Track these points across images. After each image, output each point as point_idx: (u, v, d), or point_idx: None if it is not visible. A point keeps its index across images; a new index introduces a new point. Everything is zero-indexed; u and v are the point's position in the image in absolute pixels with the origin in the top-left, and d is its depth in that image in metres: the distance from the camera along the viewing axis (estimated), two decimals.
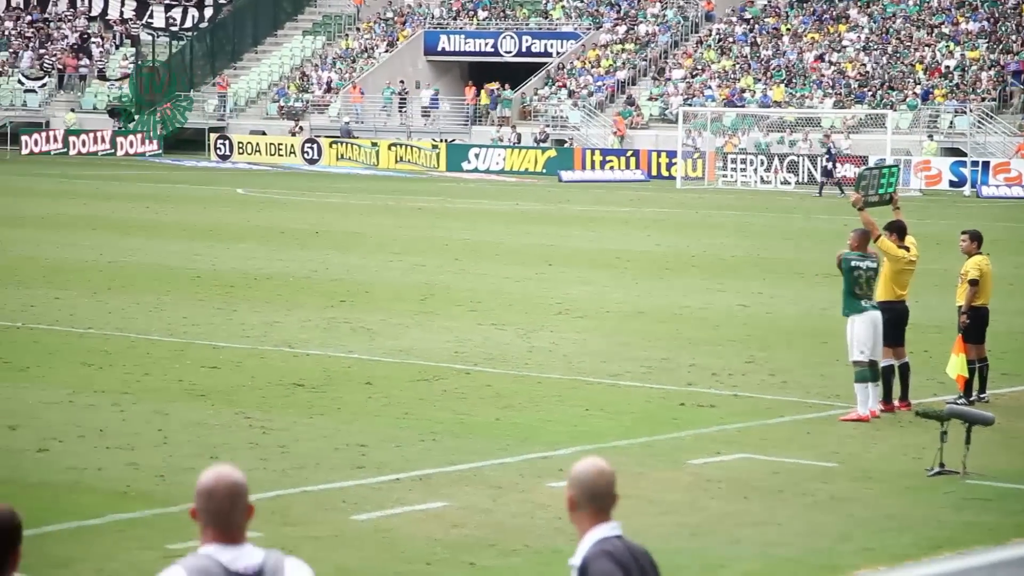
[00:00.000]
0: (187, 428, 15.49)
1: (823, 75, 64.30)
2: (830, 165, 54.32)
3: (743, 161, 58.66)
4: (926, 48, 64.03)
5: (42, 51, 77.07)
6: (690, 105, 63.11)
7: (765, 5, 69.60)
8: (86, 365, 18.74)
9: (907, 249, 17.43)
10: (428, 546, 11.71)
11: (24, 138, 69.97)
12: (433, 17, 74.14)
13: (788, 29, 67.46)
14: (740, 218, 43.68)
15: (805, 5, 68.84)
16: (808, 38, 66.67)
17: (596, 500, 5.49)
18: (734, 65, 66.43)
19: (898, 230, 17.50)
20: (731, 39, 68.09)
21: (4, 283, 26.07)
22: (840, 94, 63.13)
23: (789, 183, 57.40)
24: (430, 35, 72.67)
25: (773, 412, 16.89)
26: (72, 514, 12.33)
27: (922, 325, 20.31)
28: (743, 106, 63.45)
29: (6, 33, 78.81)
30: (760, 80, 65.09)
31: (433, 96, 69.86)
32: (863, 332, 16.60)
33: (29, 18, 79.72)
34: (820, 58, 65.21)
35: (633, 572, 5.47)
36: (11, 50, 77.67)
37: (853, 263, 16.73)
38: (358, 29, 75.67)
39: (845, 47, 65.44)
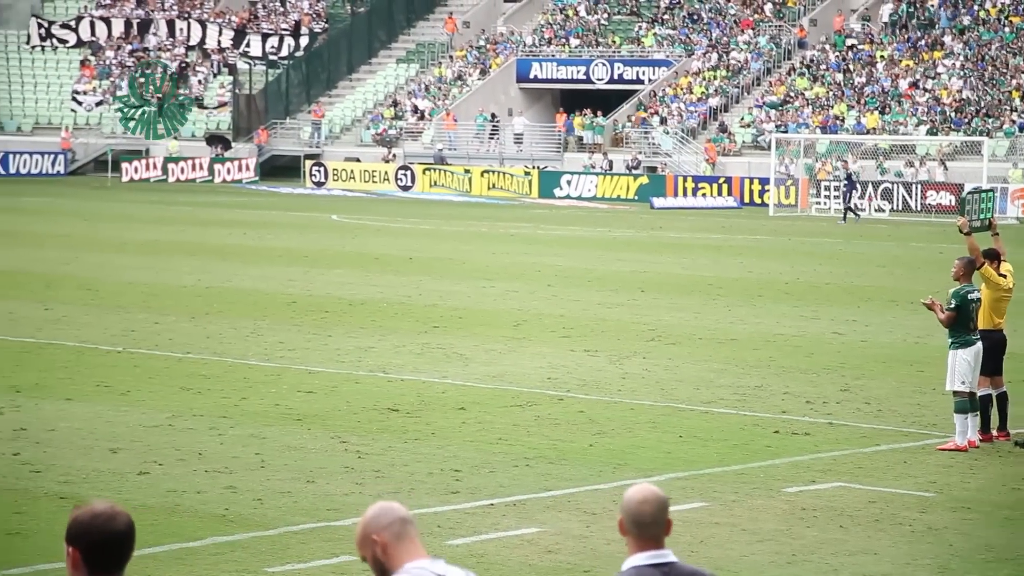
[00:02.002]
0: (284, 452, 15.60)
1: (917, 102, 63.75)
2: (849, 192, 53.82)
3: (836, 188, 58.25)
4: (1023, 75, 63.29)
5: (142, 80, 78.20)
6: (783, 132, 62.80)
7: (858, 32, 69.15)
8: (185, 389, 18.93)
9: (1004, 277, 17.21)
10: (522, 572, 11.70)
11: (124, 165, 71.00)
12: (525, 45, 74.39)
13: (882, 56, 66.97)
14: (833, 245, 43.34)
15: (899, 32, 68.32)
16: (903, 65, 66.14)
17: (639, 528, 5.56)
18: (827, 92, 66.05)
19: (994, 258, 17.29)
20: (824, 66, 67.71)
21: (106, 308, 26.43)
22: (935, 121, 62.55)
23: (883, 211, 56.94)
24: (522, 63, 72.91)
25: (869, 441, 16.73)
26: (172, 536, 12.45)
27: (1020, 354, 20.04)
28: (837, 133, 63.06)
29: (107, 62, 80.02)
30: (854, 107, 64.66)
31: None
32: (965, 364, 16.38)
33: (130, 47, 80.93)
34: (915, 85, 64.67)
35: None
36: (112, 79, 78.84)
37: (970, 296, 16.50)
38: (451, 57, 76.08)
39: (940, 74, 64.85)
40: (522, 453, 15.72)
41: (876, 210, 56.99)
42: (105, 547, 4.96)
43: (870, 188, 57.76)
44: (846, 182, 54.37)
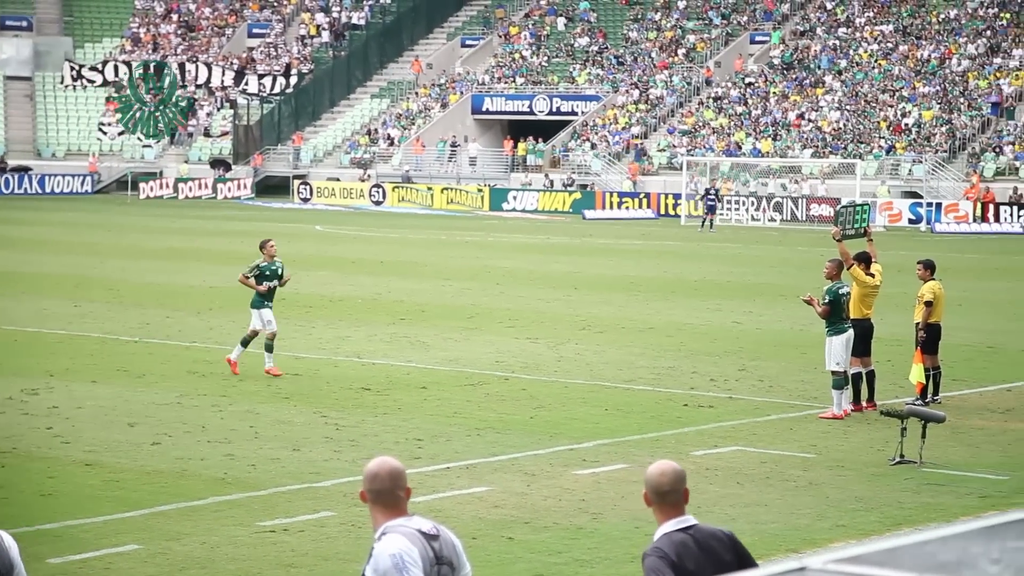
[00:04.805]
0: (274, 425, 15.53)
1: (803, 130, 64.16)
2: (712, 203, 53.66)
3: (736, 202, 58.51)
4: (889, 108, 63.80)
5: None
6: (692, 155, 63.03)
7: (755, 72, 69.51)
8: (191, 373, 18.82)
9: (872, 276, 17.35)
10: (473, 523, 11.70)
11: (142, 185, 70.53)
12: (479, 83, 74.34)
13: (775, 92, 67.34)
14: (734, 250, 43.50)
15: (788, 72, 68.72)
16: (791, 99, 66.53)
17: (662, 497, 5.42)
18: (729, 122, 66.34)
19: (865, 260, 17.44)
20: (727, 100, 68.01)
21: (126, 305, 26.23)
22: (817, 146, 62.96)
23: (775, 220, 57.23)
24: (476, 98, 72.86)
25: (762, 411, 16.82)
26: (180, 496, 12.38)
27: (886, 339, 20.20)
28: (737, 156, 63.35)
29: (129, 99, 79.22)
30: (751, 135, 64.98)
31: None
32: (839, 348, 16.52)
33: (147, 86, 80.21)
34: (801, 116, 65.08)
35: (687, 562, 5.34)
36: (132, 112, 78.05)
37: (841, 292, 16.62)
38: (417, 93, 75.94)
39: (822, 107, 65.29)
40: (474, 425, 15.71)
41: (769, 220, 57.23)
42: None
43: (764, 201, 57.98)
44: (711, 196, 54.13)
